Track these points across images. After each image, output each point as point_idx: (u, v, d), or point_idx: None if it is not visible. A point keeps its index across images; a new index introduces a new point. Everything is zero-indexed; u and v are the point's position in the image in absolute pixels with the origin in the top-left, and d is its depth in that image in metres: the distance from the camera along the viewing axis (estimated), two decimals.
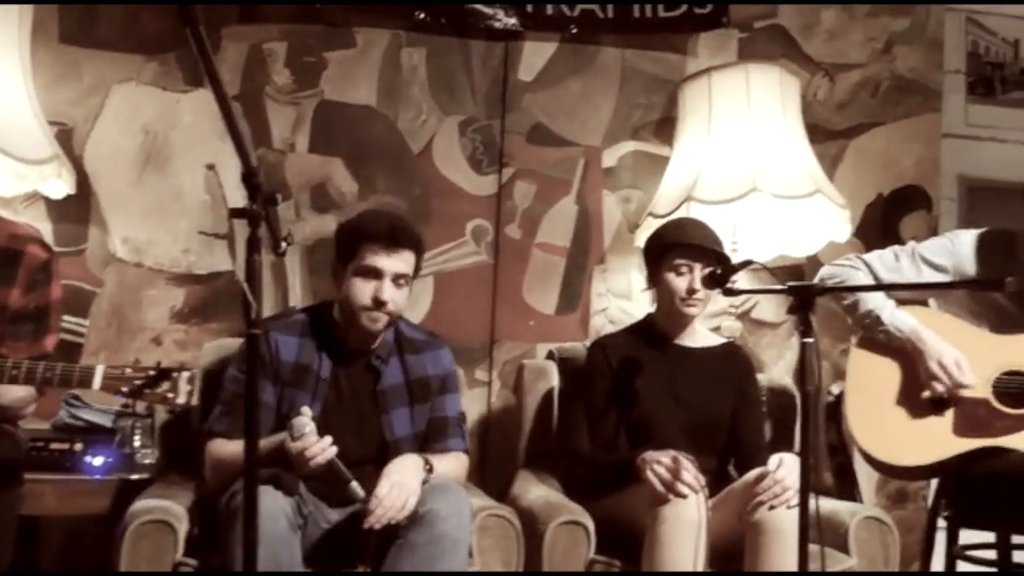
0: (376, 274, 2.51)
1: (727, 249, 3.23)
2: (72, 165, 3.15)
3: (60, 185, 3.07)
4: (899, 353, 2.73)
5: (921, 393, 2.70)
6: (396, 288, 2.54)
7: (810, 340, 2.18)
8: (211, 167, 3.38)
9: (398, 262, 2.52)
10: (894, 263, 2.79)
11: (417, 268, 2.61)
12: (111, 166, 3.33)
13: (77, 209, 3.26)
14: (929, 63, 3.92)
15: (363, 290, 2.52)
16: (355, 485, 2.35)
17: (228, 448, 2.47)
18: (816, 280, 2.85)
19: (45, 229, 3.22)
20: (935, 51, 3.93)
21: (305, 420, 2.34)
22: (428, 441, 2.65)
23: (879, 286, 2.75)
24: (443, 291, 3.51)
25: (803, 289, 2.25)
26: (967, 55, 4.11)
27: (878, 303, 2.74)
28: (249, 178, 1.72)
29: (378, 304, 2.51)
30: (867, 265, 2.79)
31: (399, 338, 2.68)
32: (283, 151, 3.45)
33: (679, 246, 2.80)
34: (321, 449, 2.32)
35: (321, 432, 2.36)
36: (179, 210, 3.37)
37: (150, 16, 3.35)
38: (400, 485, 2.35)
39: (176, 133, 3.37)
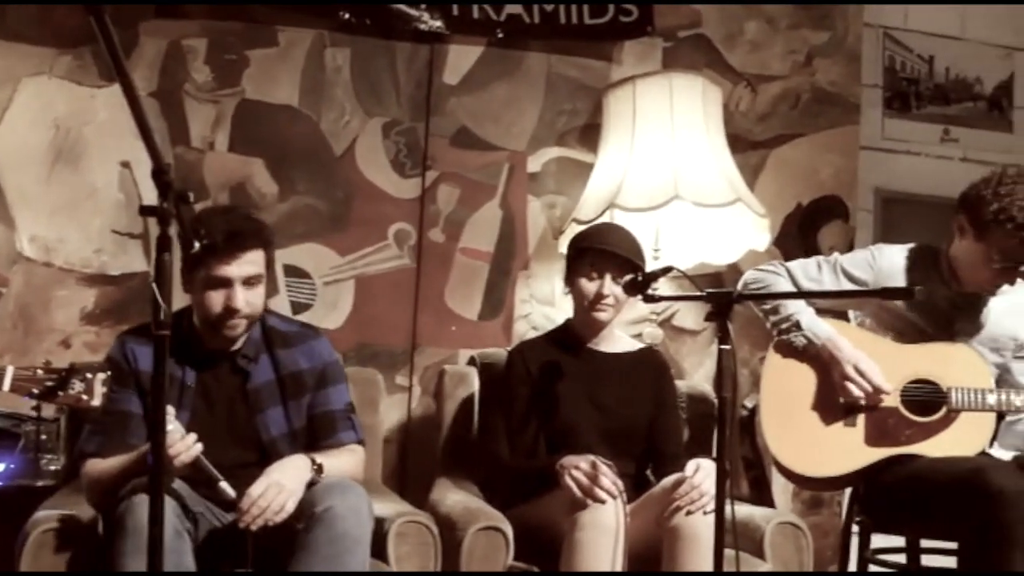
0: (224, 283, 2.41)
1: (648, 256, 3.26)
2: None
3: None
4: (813, 361, 2.77)
5: (835, 401, 2.73)
6: (248, 289, 2.44)
7: (727, 347, 2.20)
8: (126, 165, 3.29)
9: (244, 265, 2.42)
10: (816, 273, 2.83)
11: (269, 260, 2.50)
12: (20, 162, 3.23)
13: None
14: (848, 77, 4.00)
15: (215, 301, 2.42)
16: (224, 485, 2.28)
17: (101, 467, 2.38)
18: (739, 285, 2.88)
19: None
20: (853, 65, 4.02)
21: (168, 419, 2.26)
22: (317, 438, 2.56)
23: (796, 293, 2.79)
24: (364, 295, 3.46)
25: (721, 296, 2.27)
26: (884, 70, 4.21)
27: (797, 308, 2.77)
28: (159, 175, 1.67)
29: (232, 312, 2.42)
30: (789, 272, 2.82)
31: (268, 333, 2.58)
32: (202, 150, 3.38)
33: (593, 251, 2.82)
34: (185, 447, 2.23)
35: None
36: (92, 208, 3.28)
37: (64, 8, 3.25)
38: (276, 485, 2.28)
39: (90, 129, 3.28)
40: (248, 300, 2.43)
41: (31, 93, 3.25)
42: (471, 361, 3.24)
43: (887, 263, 2.80)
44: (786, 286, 2.79)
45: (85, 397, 2.06)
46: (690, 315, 3.73)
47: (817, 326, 2.75)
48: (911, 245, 2.86)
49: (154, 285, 1.68)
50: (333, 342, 2.70)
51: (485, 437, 2.93)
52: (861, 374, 2.68)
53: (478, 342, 3.48)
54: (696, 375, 3.68)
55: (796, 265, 2.85)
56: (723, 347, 2.20)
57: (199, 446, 2.26)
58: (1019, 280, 2.76)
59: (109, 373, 2.09)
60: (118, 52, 1.46)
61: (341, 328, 3.40)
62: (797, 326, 2.75)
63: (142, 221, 3.27)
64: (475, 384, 3.13)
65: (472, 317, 3.56)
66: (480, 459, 2.96)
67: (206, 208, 2.95)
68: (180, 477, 2.30)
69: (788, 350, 2.80)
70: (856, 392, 2.69)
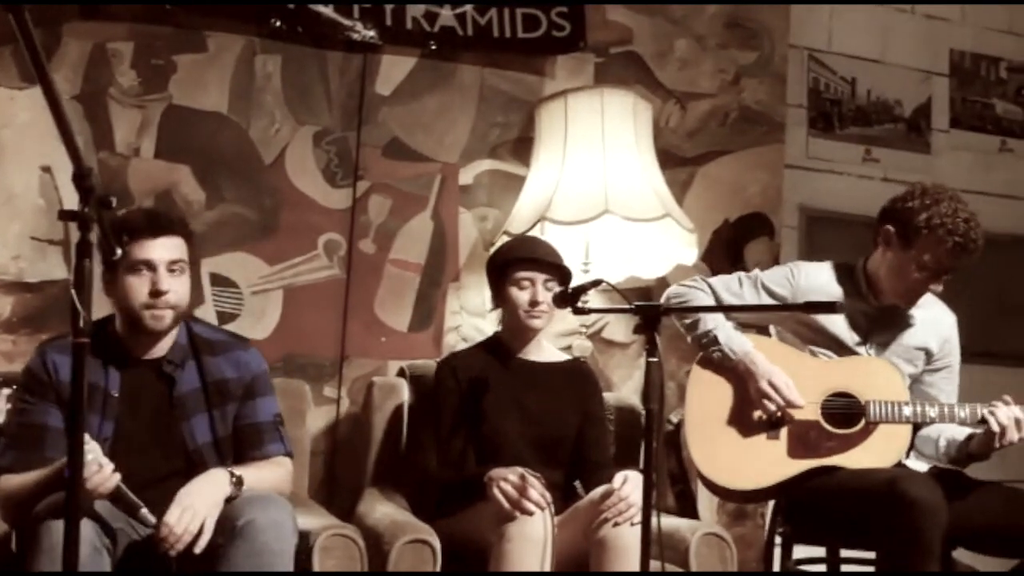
0: (148, 266, 2.37)
1: (578, 270, 3.29)
2: None
3: None
4: (733, 375, 2.82)
5: (760, 416, 2.78)
6: (172, 276, 2.40)
7: (655, 359, 2.22)
8: (47, 169, 3.21)
9: (167, 248, 2.39)
10: (737, 288, 2.89)
11: (192, 256, 2.47)
12: None
13: None
14: (774, 96, 4.08)
15: (138, 286, 2.37)
16: (145, 512, 2.22)
17: (16, 482, 2.31)
18: (662, 300, 2.92)
19: None
20: (779, 85, 4.10)
21: (93, 445, 2.18)
22: (244, 449, 2.51)
23: (721, 307, 2.84)
24: (292, 306, 3.42)
25: (649, 309, 2.29)
26: (808, 91, 4.31)
27: (716, 323, 2.83)
28: (80, 179, 1.64)
29: (157, 294, 2.37)
30: (711, 288, 2.88)
31: (194, 340, 2.53)
32: (127, 156, 3.31)
33: (520, 260, 2.85)
34: (103, 479, 2.17)
35: (121, 449, 2.28)
36: (10, 213, 3.18)
37: None
38: (190, 509, 2.22)
39: (9, 132, 3.19)
40: (173, 286, 2.38)
41: None
42: (400, 372, 3.22)
43: (804, 280, 2.87)
44: (708, 301, 2.85)
45: None
46: (619, 328, 3.76)
47: (734, 341, 2.81)
48: (828, 262, 2.95)
49: (73, 292, 1.64)
50: (260, 353, 2.65)
51: (414, 449, 2.91)
52: (775, 388, 2.73)
53: (408, 353, 3.46)
54: (624, 387, 3.71)
55: (718, 281, 2.91)
56: (651, 360, 2.22)
57: (117, 476, 2.20)
58: (931, 297, 2.87)
59: (14, 388, 2.03)
60: (38, 52, 1.43)
61: (269, 338, 3.35)
62: (715, 341, 2.81)
63: (62, 227, 3.18)
64: (404, 396, 3.12)
65: (402, 329, 3.54)
66: (409, 471, 2.95)
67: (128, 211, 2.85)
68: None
69: (711, 365, 2.86)
70: (770, 406, 2.74)
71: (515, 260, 2.85)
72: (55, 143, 3.08)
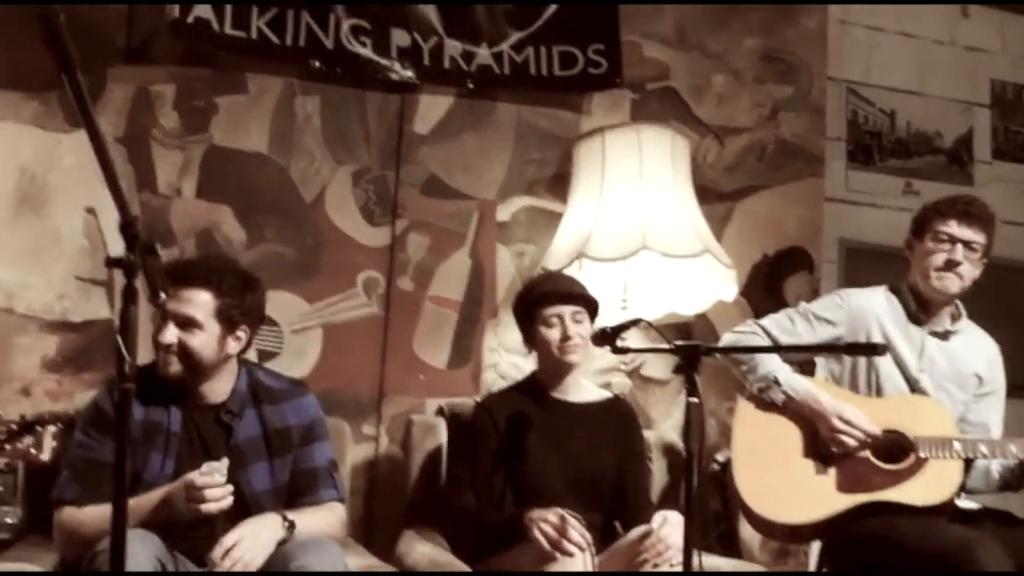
0: (162, 316, 2.40)
1: (617, 306, 3.29)
2: None
3: None
4: (787, 412, 2.81)
5: (807, 451, 2.77)
6: (183, 332, 2.40)
7: (695, 400, 2.20)
8: (91, 211, 3.26)
9: (180, 303, 2.39)
10: (789, 326, 2.90)
11: (227, 309, 2.44)
12: None
13: None
14: (812, 130, 4.06)
15: (153, 336, 2.41)
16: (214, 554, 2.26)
17: (79, 518, 2.34)
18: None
19: None
20: (818, 118, 4.08)
21: (222, 467, 2.26)
22: (298, 495, 2.53)
23: (762, 348, 2.83)
24: (332, 343, 3.44)
25: (689, 349, 2.28)
26: (847, 123, 4.28)
27: (775, 366, 2.82)
28: (127, 228, 1.66)
29: (159, 347, 2.39)
30: (764, 330, 2.89)
31: (256, 388, 2.56)
32: (168, 196, 3.36)
33: (545, 298, 2.84)
34: (224, 493, 2.24)
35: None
36: (55, 254, 3.23)
37: (32, 52, 3.23)
38: (251, 536, 2.26)
39: (55, 175, 3.25)
40: (185, 340, 2.39)
41: None
42: (439, 411, 3.22)
43: (856, 302, 2.90)
44: (763, 343, 2.85)
45: (34, 451, 2.02)
46: (658, 365, 3.73)
47: (795, 382, 2.81)
48: (875, 287, 2.98)
49: (119, 338, 1.66)
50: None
51: (452, 489, 2.90)
52: (848, 423, 2.72)
53: (446, 391, 3.46)
54: (664, 425, 3.68)
55: (770, 322, 2.91)
56: (691, 400, 2.20)
57: (230, 499, 2.25)
58: (971, 324, 2.93)
59: (60, 427, 2.06)
60: (90, 110, 1.45)
61: (308, 376, 3.36)
62: (776, 383, 2.80)
63: (106, 268, 3.22)
64: (443, 435, 3.11)
65: (440, 366, 3.54)
66: (447, 511, 2.93)
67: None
68: (156, 527, 2.26)
69: (758, 402, 2.84)
70: (849, 441, 2.72)
71: (538, 299, 2.85)
72: (99, 185, 3.18)
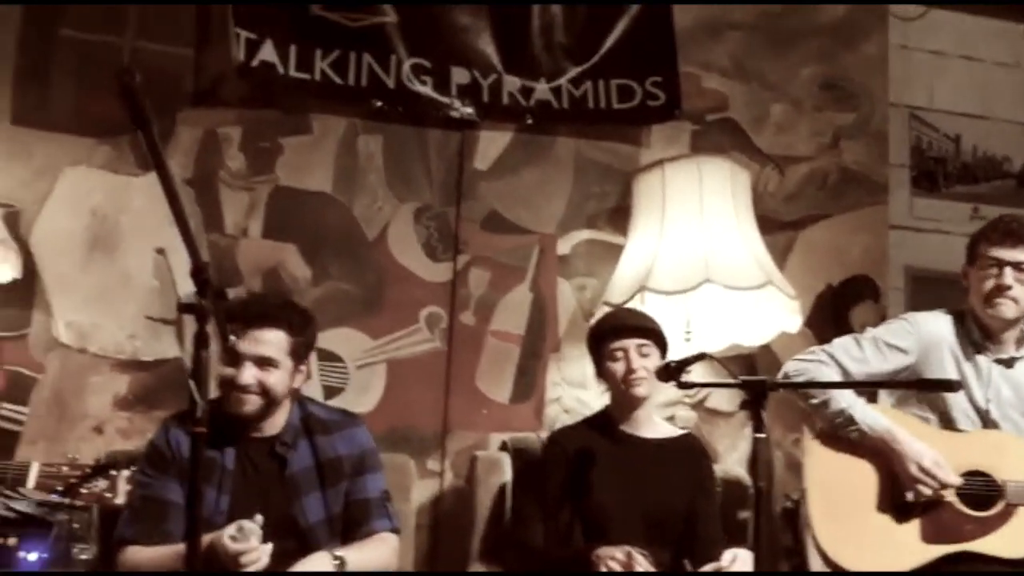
0: (236, 357, 2.40)
1: (679, 339, 3.27)
2: (18, 248, 3.09)
3: (5, 269, 3.01)
4: (863, 451, 2.72)
5: (887, 494, 2.67)
6: (261, 371, 2.42)
7: (762, 435, 2.17)
8: (160, 252, 3.34)
9: (257, 344, 2.41)
10: (858, 352, 2.81)
11: (298, 346, 2.48)
12: (58, 249, 3.27)
13: (21, 293, 3.19)
14: (874, 157, 4.02)
15: (226, 377, 2.42)
16: None
17: (140, 556, 2.37)
18: (780, 375, 2.85)
19: None
20: (880, 145, 4.04)
21: (254, 527, 2.26)
22: (351, 525, 2.54)
23: (834, 384, 2.75)
24: (395, 379, 3.46)
25: (755, 384, 2.24)
26: (911, 149, 4.22)
27: (849, 401, 2.73)
28: (198, 273, 1.70)
29: (233, 386, 2.42)
30: (832, 357, 2.80)
31: (308, 420, 2.58)
32: (235, 236, 3.42)
33: (610, 332, 2.85)
34: (258, 556, 2.24)
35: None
36: (126, 295, 3.31)
37: (103, 99, 3.33)
38: None
39: (126, 217, 3.33)
40: (261, 379, 2.42)
41: (70, 182, 3.31)
42: (503, 446, 3.22)
43: (925, 328, 2.83)
44: (831, 372, 2.76)
45: (109, 495, 2.07)
46: (723, 397, 3.69)
47: (871, 418, 2.71)
48: (939, 311, 2.90)
49: (191, 382, 1.69)
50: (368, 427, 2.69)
51: (519, 524, 2.89)
52: (926, 471, 2.62)
53: (510, 426, 3.46)
54: (730, 458, 3.63)
55: (837, 348, 2.83)
56: (758, 435, 2.17)
57: (266, 559, 2.26)
58: None
59: (133, 469, 2.10)
60: (165, 164, 1.50)
61: (373, 412, 3.39)
62: (851, 420, 2.71)
63: (175, 308, 3.29)
64: (507, 470, 3.11)
65: (503, 400, 3.55)
66: (514, 546, 2.92)
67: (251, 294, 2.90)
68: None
69: (828, 438, 2.75)
70: (924, 490, 2.62)
71: (605, 333, 2.86)
72: (168, 226, 3.20)
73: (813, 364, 2.79)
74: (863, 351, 2.80)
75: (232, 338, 1.83)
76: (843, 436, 2.73)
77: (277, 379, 2.46)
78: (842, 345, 2.84)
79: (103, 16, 3.38)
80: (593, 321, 3.09)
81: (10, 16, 3.29)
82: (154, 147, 1.41)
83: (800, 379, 2.79)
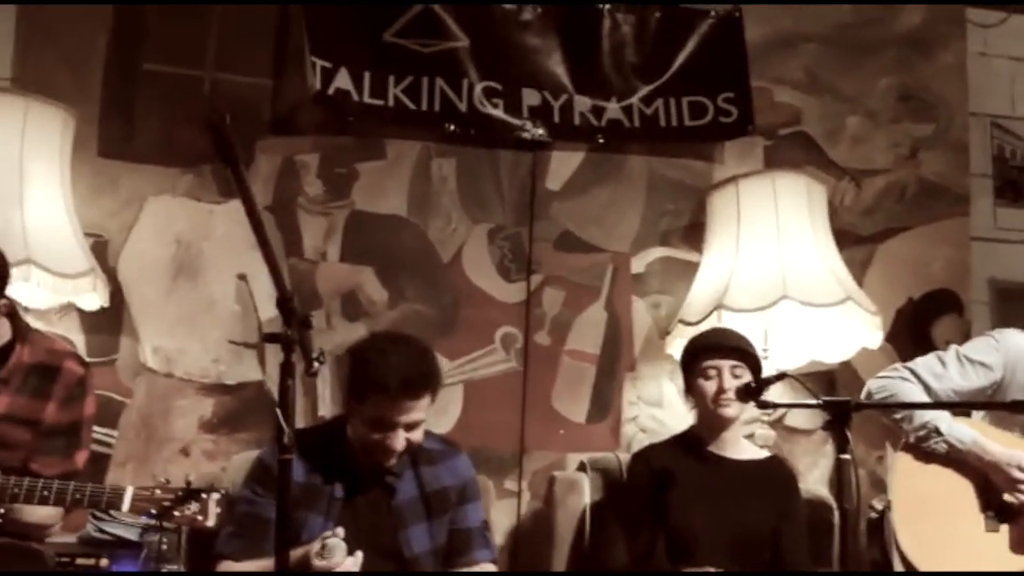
0: (388, 425, 2.42)
1: (758, 355, 3.22)
2: (106, 276, 3.19)
3: (94, 297, 3.11)
4: (951, 464, 2.69)
5: (974, 505, 2.65)
6: (410, 432, 2.45)
7: (847, 457, 2.14)
8: (242, 277, 3.41)
9: (414, 412, 2.43)
10: (941, 369, 2.78)
11: (434, 398, 2.50)
12: (144, 277, 3.37)
13: (110, 319, 3.29)
14: (955, 167, 3.94)
15: (375, 438, 2.43)
16: None
17: (233, 570, 2.42)
18: (863, 393, 2.82)
19: (78, 340, 3.25)
20: (960, 155, 3.95)
21: (339, 542, 2.30)
22: (453, 555, 2.56)
23: (919, 405, 2.72)
24: (472, 399, 3.49)
25: (839, 405, 2.21)
26: (992, 159, 4.11)
27: (933, 414, 2.71)
28: (284, 303, 1.74)
29: (389, 453, 2.44)
30: (914, 374, 2.77)
31: (413, 450, 2.58)
32: (314, 261, 3.48)
33: (706, 350, 2.82)
34: (352, 565, 2.28)
35: None
36: (210, 320, 3.39)
37: (186, 130, 3.43)
38: None
39: (209, 243, 3.42)
40: (409, 438, 2.45)
41: (155, 211, 3.41)
42: (581, 467, 3.21)
43: (1013, 344, 2.76)
44: (914, 389, 2.73)
45: (200, 518, 2.12)
46: (802, 414, 3.64)
47: (958, 431, 2.69)
48: None
49: (278, 411, 1.73)
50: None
51: (600, 545, 2.88)
52: None
53: (586, 445, 3.46)
54: (811, 477, 3.58)
55: (920, 365, 2.80)
56: (843, 457, 2.14)
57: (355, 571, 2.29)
58: None
59: (224, 492, 2.15)
60: (253, 201, 1.53)
61: (450, 433, 3.41)
62: (937, 432, 2.68)
63: (257, 332, 3.37)
64: (586, 490, 3.10)
65: (580, 420, 3.54)
66: (596, 566, 2.92)
67: (384, 335, 2.76)
68: None
69: (917, 452, 2.73)
70: None
71: (701, 349, 2.84)
72: (249, 252, 3.32)
73: (896, 381, 2.77)
74: (946, 368, 2.77)
75: (316, 365, 1.85)
76: (929, 449, 2.69)
77: (420, 432, 2.49)
78: (925, 363, 2.82)
79: (184, 49, 3.48)
80: (669, 335, 3.05)
81: (95, 53, 3.41)
82: (243, 184, 1.46)
83: (882, 396, 2.76)
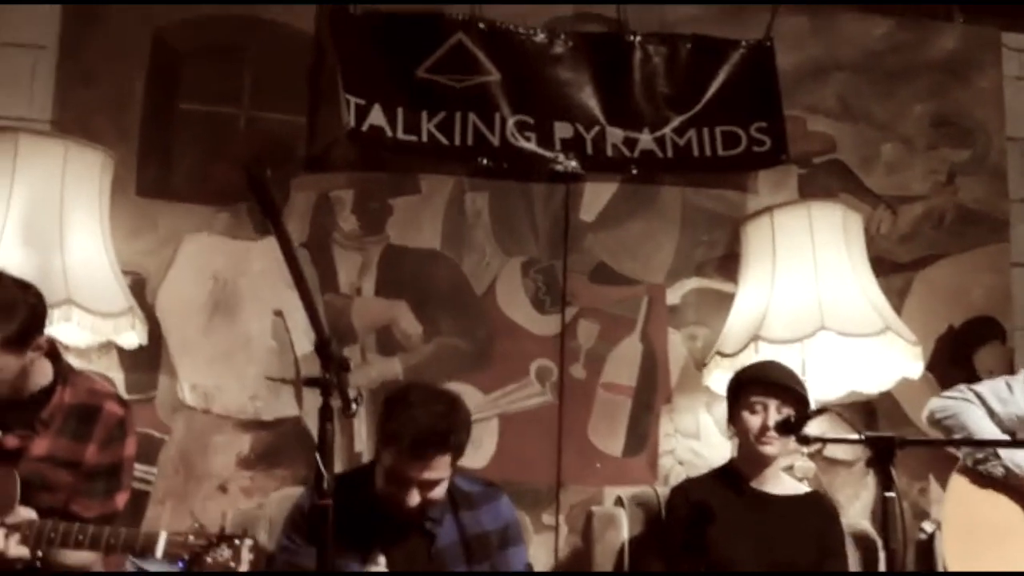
0: (401, 480, 2.40)
1: (807, 395, 3.19)
2: (144, 314, 3.21)
3: (133, 336, 3.13)
4: (1008, 489, 2.67)
5: None
6: (426, 490, 2.42)
7: (892, 495, 2.10)
8: (279, 313, 3.43)
9: (428, 471, 2.39)
10: (1007, 394, 2.77)
11: (456, 458, 2.45)
12: (182, 314, 3.39)
13: (148, 357, 3.31)
14: (993, 193, 3.89)
15: (388, 490, 2.43)
16: None
17: None
18: (924, 413, 2.80)
19: (117, 378, 3.28)
20: (999, 181, 3.91)
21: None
22: None
23: (974, 441, 2.68)
24: (508, 433, 3.47)
25: (882, 441, 2.17)
26: None
27: (992, 437, 2.69)
28: (323, 348, 1.74)
29: (402, 506, 2.42)
30: (979, 397, 2.76)
31: (452, 493, 2.55)
32: (349, 296, 3.50)
33: (754, 384, 2.79)
34: None
35: None
36: (247, 356, 3.41)
37: (223, 168, 3.46)
38: None
39: (245, 280, 3.44)
40: (428, 496, 2.42)
41: (192, 249, 3.44)
42: (618, 501, 3.19)
43: None
44: (977, 412, 2.70)
45: (233, 564, 2.12)
46: (842, 446, 3.59)
47: (1018, 455, 2.66)
48: None
49: (317, 456, 1.73)
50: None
51: None
52: None
53: (623, 479, 3.43)
54: (852, 510, 3.52)
55: (986, 387, 2.79)
56: (888, 495, 2.10)
57: None
58: None
59: (255, 541, 2.15)
60: (292, 251, 1.54)
61: (487, 467, 3.40)
62: (995, 455, 2.66)
63: (294, 367, 3.39)
64: (624, 526, 3.07)
65: (616, 453, 3.52)
66: None
67: (416, 387, 2.60)
68: None
69: (976, 475, 2.71)
70: None
71: (748, 383, 2.80)
72: (285, 288, 3.35)
73: (959, 403, 2.75)
74: (1013, 393, 2.75)
75: (353, 406, 1.85)
76: (986, 472, 2.67)
77: (441, 489, 2.46)
78: (991, 386, 2.81)
79: (219, 89, 3.52)
80: (706, 367, 3.02)
81: (133, 95, 3.46)
82: (283, 235, 1.46)
83: (944, 416, 2.76)
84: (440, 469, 2.42)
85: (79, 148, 3.08)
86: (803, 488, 2.92)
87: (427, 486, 2.42)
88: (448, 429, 2.41)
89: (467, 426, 2.49)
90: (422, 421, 2.36)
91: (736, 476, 2.85)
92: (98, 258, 3.07)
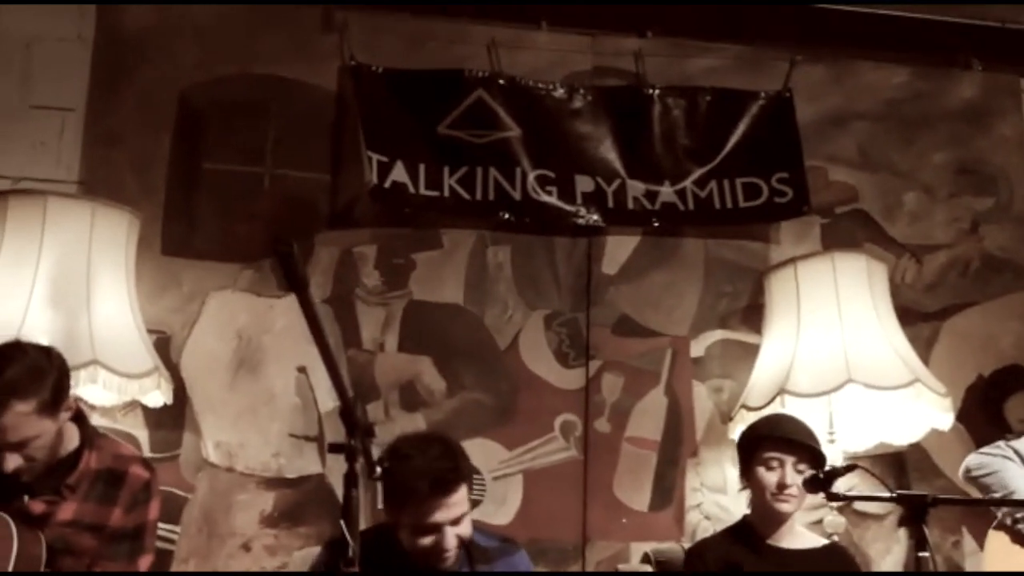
0: (434, 529, 2.38)
1: (823, 440, 3.15)
2: (169, 373, 3.22)
3: (158, 395, 3.14)
4: None
5: None
6: (457, 527, 2.41)
7: (926, 554, 2.07)
8: (302, 370, 3.43)
9: (451, 508, 2.39)
10: None
11: (470, 487, 2.46)
12: (206, 372, 3.40)
13: (173, 415, 3.32)
14: (1018, 240, 3.87)
15: (426, 545, 2.39)
16: None
17: None
18: (961, 470, 2.76)
19: (142, 436, 3.28)
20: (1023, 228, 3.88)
21: None
22: None
23: (1007, 502, 2.64)
24: (532, 489, 3.45)
25: (914, 500, 2.15)
26: None
27: None
28: (348, 414, 1.74)
29: (443, 555, 2.40)
30: (1017, 453, 2.71)
31: (469, 548, 2.51)
32: (373, 351, 3.50)
33: (770, 439, 2.76)
34: None
35: None
36: (270, 413, 3.41)
37: (246, 226, 3.49)
38: None
39: (268, 337, 3.45)
40: (459, 534, 2.42)
41: (216, 306, 3.45)
42: (645, 557, 3.15)
43: None
44: (1015, 468, 2.67)
45: None
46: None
47: None
48: None
49: (343, 522, 1.72)
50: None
51: None
52: None
53: (650, 534, 3.39)
54: (884, 564, 3.47)
55: (1023, 444, 2.72)
56: (921, 555, 2.07)
57: None
58: None
59: None
60: (318, 321, 1.54)
61: (511, 524, 3.37)
62: None
63: (317, 424, 3.38)
64: None
65: (642, 509, 3.48)
66: None
67: (402, 441, 2.58)
68: None
69: (1015, 533, 2.68)
70: None
71: (764, 438, 2.77)
72: (308, 345, 3.32)
73: (997, 459, 2.72)
74: None
75: (378, 469, 1.85)
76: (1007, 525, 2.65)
77: (468, 523, 2.46)
78: None
79: (243, 148, 3.56)
80: (754, 415, 2.98)
81: (159, 155, 3.50)
82: (309, 309, 1.47)
83: (981, 473, 2.74)
84: (462, 503, 2.41)
85: (106, 210, 3.11)
86: (821, 541, 2.88)
87: (456, 523, 2.41)
88: (456, 463, 2.43)
89: (463, 452, 2.50)
90: (432, 465, 2.37)
91: (751, 533, 2.81)
92: (124, 318, 3.09)
